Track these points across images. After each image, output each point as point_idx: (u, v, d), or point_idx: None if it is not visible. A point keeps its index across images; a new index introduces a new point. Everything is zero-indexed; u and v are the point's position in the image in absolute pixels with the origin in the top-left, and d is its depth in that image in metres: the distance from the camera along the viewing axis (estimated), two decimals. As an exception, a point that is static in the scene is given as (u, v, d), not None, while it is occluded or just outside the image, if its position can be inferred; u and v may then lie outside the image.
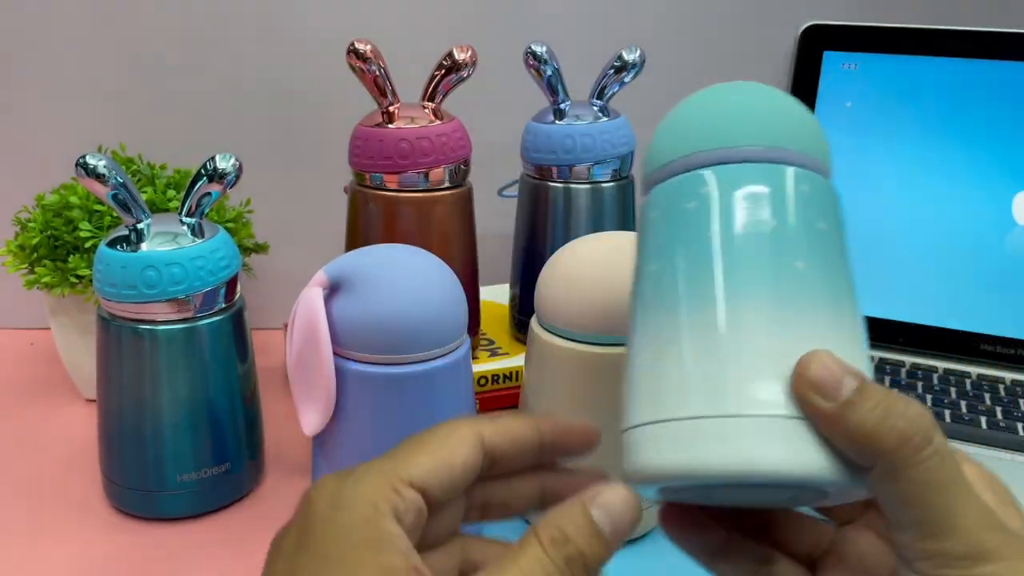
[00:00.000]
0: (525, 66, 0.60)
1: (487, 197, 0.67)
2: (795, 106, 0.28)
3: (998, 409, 0.58)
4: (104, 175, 0.43)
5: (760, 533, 0.29)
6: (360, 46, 0.54)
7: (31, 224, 0.56)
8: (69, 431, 0.57)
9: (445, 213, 0.58)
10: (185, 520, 0.48)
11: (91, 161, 0.43)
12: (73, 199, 0.56)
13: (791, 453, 0.22)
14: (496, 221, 0.70)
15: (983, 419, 0.56)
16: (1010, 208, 0.63)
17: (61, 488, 0.51)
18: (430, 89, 0.57)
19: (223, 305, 0.47)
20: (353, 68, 0.55)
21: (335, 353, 0.40)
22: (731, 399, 0.23)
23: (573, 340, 0.43)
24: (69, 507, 0.49)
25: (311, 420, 0.41)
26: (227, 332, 0.47)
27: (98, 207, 0.56)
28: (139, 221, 0.45)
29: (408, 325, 0.40)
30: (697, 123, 0.28)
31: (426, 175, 0.56)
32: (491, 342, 0.67)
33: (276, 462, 0.54)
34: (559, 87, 0.61)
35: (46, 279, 0.55)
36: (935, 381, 0.62)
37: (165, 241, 0.45)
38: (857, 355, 0.24)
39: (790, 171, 0.26)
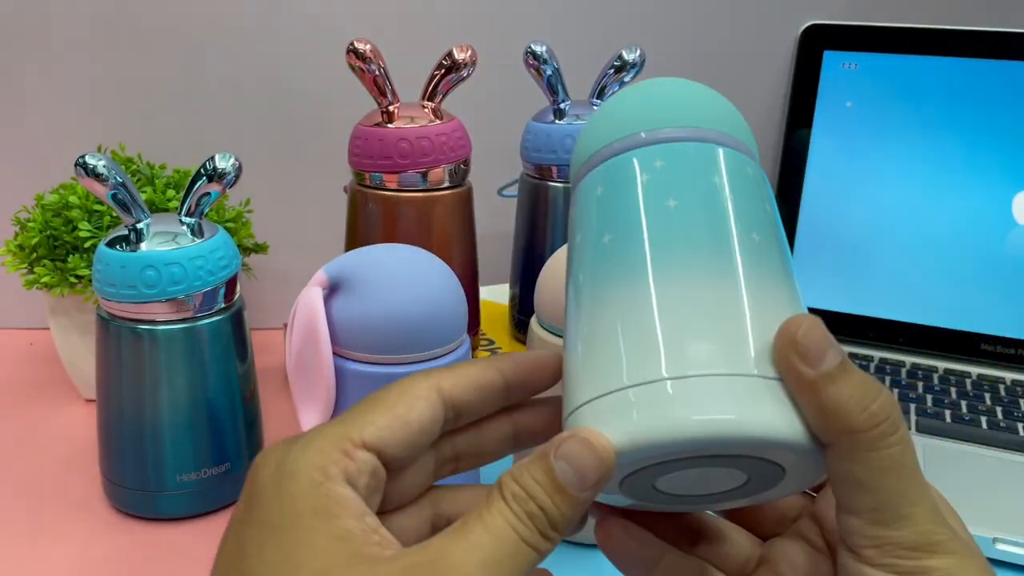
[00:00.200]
0: (525, 66, 0.60)
1: (487, 197, 0.67)
2: (726, 100, 0.29)
3: (998, 409, 0.58)
4: (103, 175, 0.43)
5: (691, 548, 0.29)
6: (360, 46, 0.54)
7: (30, 224, 0.56)
8: (68, 431, 0.57)
9: (445, 213, 0.58)
10: (185, 520, 0.48)
11: (90, 161, 0.43)
12: (73, 199, 0.55)
13: (764, 413, 0.22)
14: (496, 221, 0.70)
15: (983, 419, 0.56)
16: (1010, 208, 0.63)
17: (61, 488, 0.51)
18: (430, 89, 0.57)
19: (223, 305, 0.47)
20: (353, 68, 0.55)
21: (335, 353, 0.40)
22: (695, 359, 0.22)
23: (573, 340, 0.43)
24: (69, 507, 0.49)
25: (311, 420, 0.41)
26: (227, 332, 0.47)
27: (98, 207, 0.56)
28: (138, 221, 0.45)
29: (408, 325, 0.40)
30: (644, 106, 0.28)
31: (426, 175, 0.56)
32: (491, 342, 0.67)
33: (276, 462, 0.54)
34: (559, 87, 0.61)
35: (45, 279, 0.55)
36: (935, 381, 0.62)
37: (164, 241, 0.44)
38: None
39: (740, 155, 0.27)
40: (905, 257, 0.66)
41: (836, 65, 0.67)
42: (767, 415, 0.22)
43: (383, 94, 0.56)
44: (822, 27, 0.68)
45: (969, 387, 0.61)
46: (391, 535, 0.22)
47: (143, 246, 0.44)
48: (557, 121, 0.61)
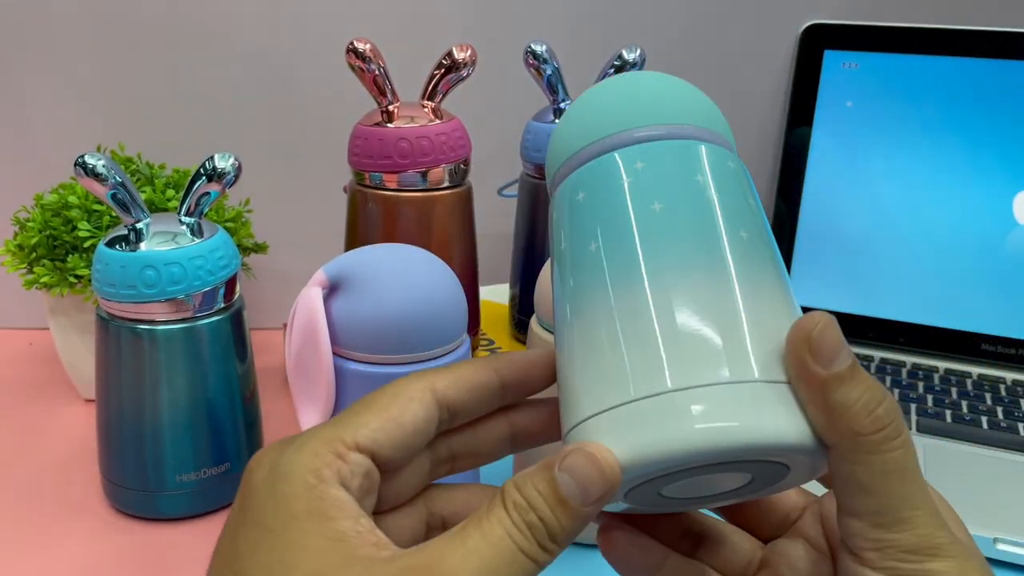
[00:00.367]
0: (525, 66, 0.60)
1: (487, 197, 0.67)
2: (701, 93, 0.29)
3: (999, 409, 0.58)
4: (103, 174, 0.43)
5: (693, 552, 0.29)
6: (360, 45, 0.54)
7: (30, 224, 0.56)
8: (68, 431, 0.57)
9: (445, 213, 0.58)
10: (184, 520, 0.48)
11: (90, 160, 0.42)
12: (72, 199, 0.55)
13: (769, 419, 0.22)
14: (496, 221, 0.70)
15: (984, 419, 0.56)
16: (1011, 208, 0.63)
17: (60, 488, 0.51)
18: (430, 88, 0.57)
19: (222, 305, 0.47)
20: (352, 67, 0.55)
21: (334, 353, 0.40)
22: (697, 369, 0.22)
23: (573, 340, 0.43)
24: (68, 507, 0.49)
25: (310, 420, 0.41)
26: (226, 332, 0.47)
27: (97, 207, 0.56)
28: (138, 221, 0.45)
29: (408, 325, 0.40)
30: (618, 105, 0.27)
31: (426, 175, 0.56)
32: (491, 342, 0.67)
33: (275, 462, 0.53)
34: (559, 86, 0.61)
35: (45, 279, 0.54)
36: (936, 381, 0.62)
37: (164, 241, 0.44)
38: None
39: (720, 150, 0.26)
40: (905, 257, 0.66)
41: (836, 65, 0.67)
42: (772, 421, 0.22)
43: (383, 94, 0.56)
44: (822, 27, 0.68)
45: (970, 387, 0.61)
46: (386, 537, 0.22)
47: (142, 246, 0.44)
48: (557, 121, 0.61)
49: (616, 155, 0.26)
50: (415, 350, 0.40)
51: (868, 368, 0.64)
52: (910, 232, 0.66)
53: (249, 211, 0.63)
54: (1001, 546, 0.45)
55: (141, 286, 0.44)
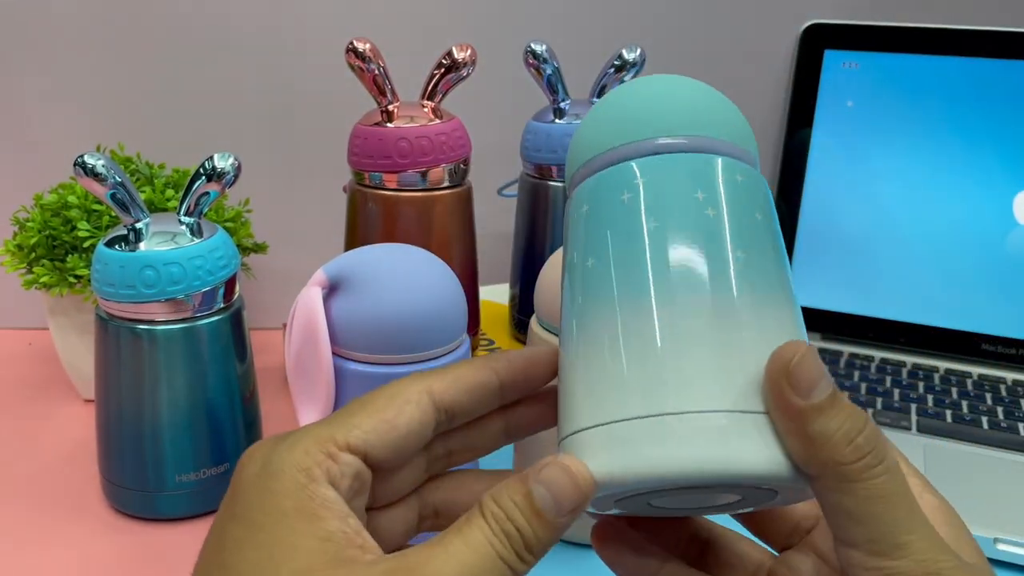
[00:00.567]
0: (525, 65, 0.60)
1: (487, 197, 0.67)
2: (721, 98, 0.28)
3: (999, 409, 0.58)
4: (102, 174, 0.42)
5: (698, 558, 0.29)
6: (359, 45, 0.54)
7: (29, 224, 0.56)
8: (67, 431, 0.57)
9: (445, 213, 0.58)
10: (184, 520, 0.48)
11: (89, 160, 0.42)
12: (71, 198, 0.55)
13: (743, 451, 0.22)
14: (496, 221, 0.70)
15: (984, 419, 0.56)
16: (1011, 208, 0.63)
17: (59, 488, 0.51)
18: (429, 88, 0.57)
19: (222, 305, 0.47)
20: (352, 67, 0.55)
21: (334, 353, 0.40)
22: (674, 396, 0.22)
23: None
24: (67, 507, 0.49)
25: (310, 420, 0.41)
26: (226, 332, 0.47)
27: (96, 207, 0.56)
28: (137, 220, 0.44)
29: (408, 325, 0.40)
30: (628, 114, 0.27)
31: (425, 174, 0.56)
32: (491, 342, 0.67)
33: (275, 462, 0.53)
34: (559, 86, 0.61)
35: (44, 279, 0.54)
36: (936, 381, 0.62)
37: (164, 241, 0.44)
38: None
39: (726, 161, 0.25)
40: (906, 257, 0.66)
41: (837, 64, 0.67)
42: (747, 452, 0.22)
43: (383, 93, 0.56)
44: (823, 26, 0.68)
45: (970, 387, 0.61)
46: (372, 540, 0.22)
47: (142, 246, 0.44)
48: (557, 121, 0.61)
49: (618, 169, 0.26)
50: (415, 350, 0.40)
51: (868, 368, 0.64)
52: (910, 232, 0.66)
53: (249, 211, 0.63)
54: (1001, 546, 0.45)
55: (140, 286, 0.43)
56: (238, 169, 0.45)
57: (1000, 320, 0.63)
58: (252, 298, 0.69)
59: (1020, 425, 0.56)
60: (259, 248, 0.64)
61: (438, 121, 0.57)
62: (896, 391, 0.60)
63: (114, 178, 0.43)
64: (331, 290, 0.40)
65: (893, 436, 0.53)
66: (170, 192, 0.58)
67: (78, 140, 0.64)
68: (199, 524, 0.47)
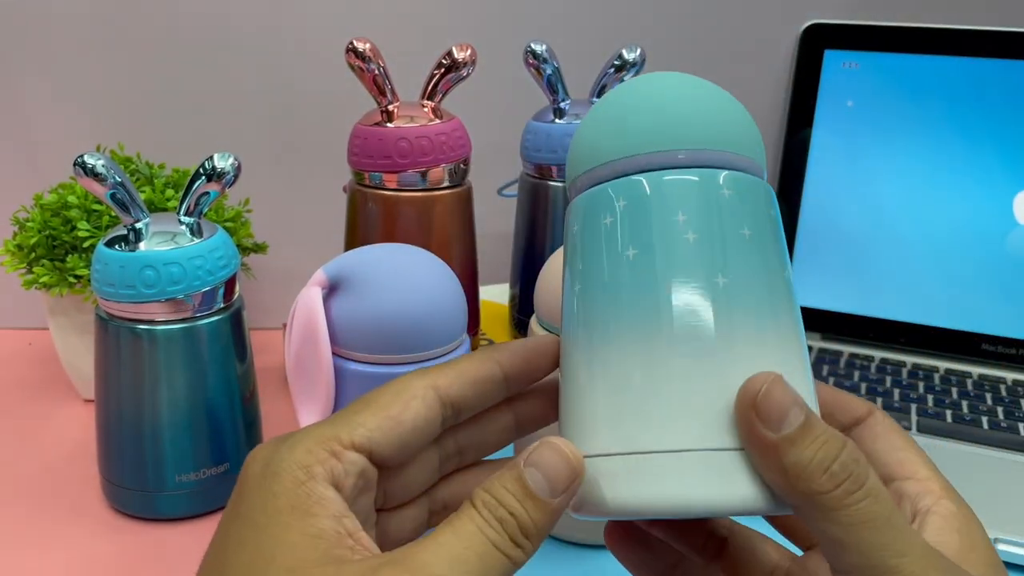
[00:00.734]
0: (525, 65, 0.60)
1: (487, 197, 0.67)
2: (720, 99, 0.26)
3: (999, 409, 0.58)
4: (102, 174, 0.42)
5: (716, 556, 0.28)
6: (359, 45, 0.54)
7: (29, 224, 0.56)
8: (67, 431, 0.57)
9: (445, 213, 0.58)
10: (184, 520, 0.48)
11: (89, 160, 0.42)
12: (71, 198, 0.55)
13: (723, 488, 0.22)
14: (496, 221, 0.70)
15: (984, 419, 0.56)
16: (1011, 208, 0.63)
17: (59, 488, 0.51)
18: (429, 88, 0.57)
19: (222, 305, 0.47)
20: (352, 67, 0.55)
21: (334, 353, 0.40)
22: (648, 434, 0.22)
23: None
24: (67, 507, 0.49)
25: (310, 420, 0.41)
26: (226, 332, 0.47)
27: (96, 206, 0.56)
28: (137, 220, 0.44)
29: (407, 325, 0.40)
30: (616, 127, 0.25)
31: (425, 174, 0.56)
32: (491, 342, 0.67)
33: (275, 462, 0.53)
34: (559, 86, 0.61)
35: (44, 279, 0.54)
36: (936, 381, 0.62)
37: (163, 241, 0.44)
38: (790, 373, 0.23)
39: (712, 175, 0.24)
40: (906, 257, 0.66)
41: (837, 64, 0.67)
42: (724, 490, 0.22)
43: (383, 93, 0.56)
44: (823, 26, 0.68)
45: (970, 387, 0.61)
46: (368, 540, 0.22)
47: (142, 246, 0.44)
48: (557, 121, 0.61)
49: (602, 190, 0.25)
50: (415, 350, 0.40)
51: (868, 368, 0.64)
52: (910, 232, 0.66)
53: (249, 211, 0.63)
54: (1001, 546, 0.45)
55: (140, 286, 0.43)
56: (238, 169, 0.45)
57: (1000, 320, 0.63)
58: (252, 298, 0.69)
59: (1020, 425, 0.56)
60: (259, 248, 0.64)
61: (438, 121, 0.57)
62: (896, 391, 0.60)
63: (114, 178, 0.43)
64: (331, 290, 0.40)
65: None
66: (170, 192, 0.58)
67: (78, 140, 0.64)
68: (199, 524, 0.47)
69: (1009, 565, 0.45)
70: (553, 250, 0.47)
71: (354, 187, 0.58)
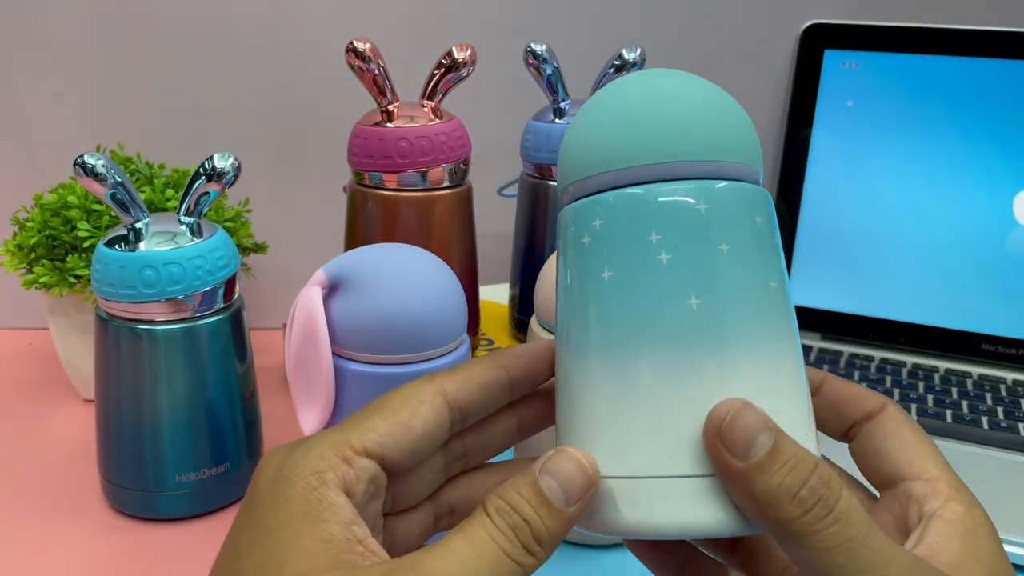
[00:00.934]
0: (525, 65, 0.60)
1: (487, 197, 0.67)
2: (711, 100, 0.25)
3: (999, 409, 0.58)
4: (102, 174, 0.42)
5: (730, 549, 0.28)
6: (359, 45, 0.54)
7: (29, 224, 0.56)
8: (67, 431, 0.57)
9: (445, 212, 0.58)
10: (184, 520, 0.48)
11: (89, 160, 0.42)
12: (71, 198, 0.55)
13: (697, 514, 0.22)
14: (496, 221, 0.70)
15: (984, 419, 0.56)
16: (1011, 208, 0.63)
17: (59, 488, 0.51)
18: (429, 88, 0.57)
19: (222, 305, 0.46)
20: (352, 67, 0.55)
21: (334, 353, 0.40)
22: (624, 461, 0.22)
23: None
24: (67, 507, 0.49)
25: (310, 420, 0.41)
26: (226, 332, 0.47)
27: (96, 206, 0.56)
28: (137, 220, 0.44)
29: (407, 325, 0.40)
30: (596, 140, 0.24)
31: (425, 174, 0.56)
32: (491, 342, 0.67)
33: (275, 462, 0.53)
34: (559, 86, 0.61)
35: (44, 279, 0.54)
36: (936, 381, 0.62)
37: (163, 241, 0.44)
38: (769, 393, 0.22)
39: (689, 189, 0.23)
40: (906, 257, 0.66)
41: (837, 64, 0.67)
42: (699, 516, 0.22)
43: (383, 93, 0.56)
44: (823, 26, 0.68)
45: (970, 387, 0.61)
46: (378, 546, 0.22)
47: (142, 246, 0.44)
48: (557, 121, 0.61)
49: (581, 208, 0.25)
50: (415, 350, 0.40)
51: (868, 369, 0.64)
52: (910, 232, 0.66)
53: (249, 211, 0.63)
54: (1002, 546, 0.45)
55: (140, 286, 0.43)
56: (238, 169, 0.45)
57: (1000, 320, 0.63)
58: (252, 298, 0.69)
59: (1020, 425, 0.56)
60: (259, 248, 0.64)
61: (438, 121, 0.57)
62: (896, 391, 0.60)
63: (114, 178, 0.43)
64: (331, 290, 0.40)
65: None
66: (170, 192, 0.58)
67: (78, 140, 0.64)
68: (199, 524, 0.47)
69: (1009, 565, 0.45)
70: (553, 250, 0.47)
71: (354, 187, 0.58)
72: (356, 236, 0.59)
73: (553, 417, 0.28)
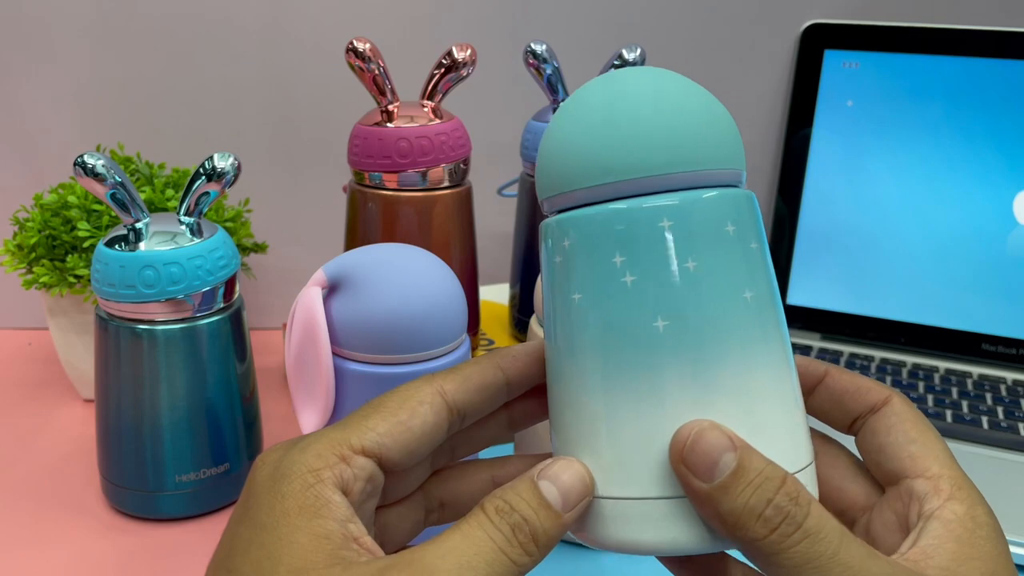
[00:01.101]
0: (525, 65, 0.60)
1: (487, 197, 0.67)
2: (684, 101, 0.23)
3: (999, 409, 0.58)
4: (102, 174, 0.42)
5: (678, 567, 0.29)
6: (359, 45, 0.54)
7: (29, 224, 0.56)
8: (67, 431, 0.57)
9: (445, 212, 0.58)
10: (184, 520, 0.48)
11: (89, 160, 0.42)
12: (71, 198, 0.55)
13: (669, 534, 0.22)
14: (496, 221, 0.70)
15: (984, 419, 0.56)
16: (1011, 208, 0.63)
17: (59, 488, 0.51)
18: (429, 88, 0.57)
19: (222, 305, 0.47)
20: (352, 67, 0.55)
21: (334, 353, 0.40)
22: (608, 481, 0.23)
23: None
24: (67, 508, 0.49)
25: (310, 420, 0.41)
26: (226, 332, 0.47)
27: (96, 206, 0.56)
28: (137, 220, 0.44)
29: (407, 325, 0.40)
30: (568, 155, 0.24)
31: (425, 174, 0.56)
32: (491, 342, 0.67)
33: (275, 462, 0.53)
34: (559, 86, 0.61)
35: (44, 279, 0.54)
36: (936, 381, 0.62)
37: (163, 241, 0.44)
38: (744, 409, 0.22)
39: (654, 208, 0.22)
40: (906, 257, 0.66)
41: (837, 64, 0.67)
42: (667, 535, 0.22)
43: (383, 93, 0.56)
44: (823, 26, 0.68)
45: (970, 387, 0.61)
46: (373, 543, 0.22)
47: (142, 246, 0.44)
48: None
49: (554, 225, 0.24)
50: (415, 350, 0.40)
51: (868, 368, 0.64)
52: (911, 231, 0.66)
53: (248, 211, 0.63)
54: (1002, 546, 0.45)
55: (140, 286, 0.43)
56: (238, 169, 0.45)
57: (1000, 320, 0.63)
58: (252, 298, 0.69)
59: (1020, 425, 0.56)
60: (259, 248, 0.64)
61: (438, 121, 0.57)
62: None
63: (114, 178, 0.43)
64: (331, 290, 0.40)
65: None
66: (170, 192, 0.58)
67: (78, 140, 0.64)
68: (199, 524, 0.47)
69: (1009, 565, 0.45)
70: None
71: (354, 187, 0.58)
72: (356, 236, 0.59)
73: (544, 412, 0.28)
